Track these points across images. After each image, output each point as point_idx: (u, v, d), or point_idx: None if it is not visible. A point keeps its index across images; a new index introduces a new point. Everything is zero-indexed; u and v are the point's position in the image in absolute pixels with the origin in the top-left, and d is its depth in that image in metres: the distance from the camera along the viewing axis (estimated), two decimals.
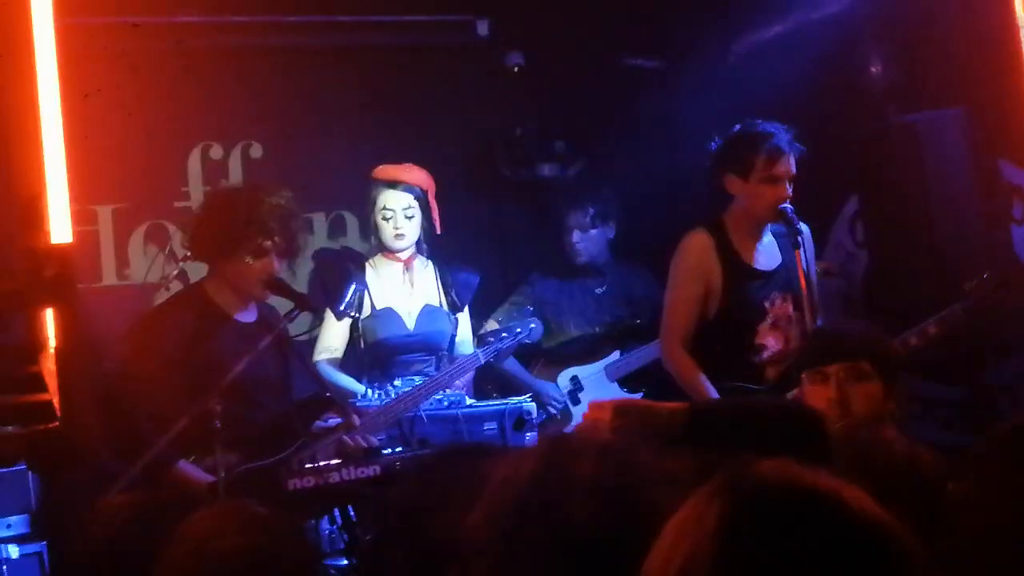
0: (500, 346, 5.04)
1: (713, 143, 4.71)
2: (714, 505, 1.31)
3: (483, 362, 5.03)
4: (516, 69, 6.26)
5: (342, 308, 5.04)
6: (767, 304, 4.70)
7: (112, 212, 5.89)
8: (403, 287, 5.24)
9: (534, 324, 5.14)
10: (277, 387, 4.41)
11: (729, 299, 4.69)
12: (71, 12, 4.11)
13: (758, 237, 4.73)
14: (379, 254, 5.28)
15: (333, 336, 5.19)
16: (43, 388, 3.98)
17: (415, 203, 5.15)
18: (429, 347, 5.18)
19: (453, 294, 5.29)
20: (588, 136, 6.51)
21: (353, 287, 5.10)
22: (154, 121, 5.69)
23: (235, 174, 6.06)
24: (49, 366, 3.98)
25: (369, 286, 5.18)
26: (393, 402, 4.69)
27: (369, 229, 5.36)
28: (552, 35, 6.25)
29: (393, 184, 5.16)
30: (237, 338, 4.31)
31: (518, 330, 5.07)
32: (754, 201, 4.63)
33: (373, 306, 5.16)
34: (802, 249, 4.53)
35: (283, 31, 5.94)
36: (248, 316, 4.45)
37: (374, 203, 5.20)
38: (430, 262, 5.33)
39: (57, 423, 3.82)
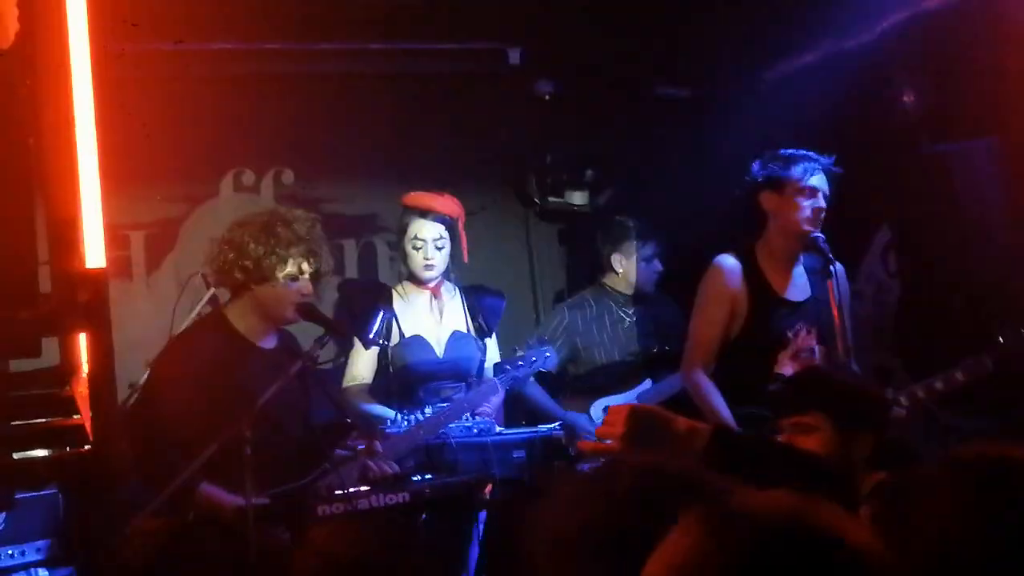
0: (516, 374, 5.04)
1: (753, 164, 4.72)
2: (714, 542, 1.31)
3: (501, 391, 5.03)
4: (547, 97, 6.27)
5: (371, 336, 5.04)
6: (790, 334, 4.70)
7: (145, 237, 5.91)
8: (431, 314, 5.24)
9: (548, 353, 5.14)
10: (299, 413, 4.41)
11: (752, 324, 4.70)
12: (107, 37, 4.12)
13: (789, 267, 4.73)
14: (406, 281, 5.29)
15: (362, 365, 5.19)
16: (75, 411, 3.98)
17: (446, 233, 5.16)
18: (458, 373, 5.17)
19: (481, 319, 5.29)
20: (618, 164, 6.51)
21: (381, 315, 5.10)
22: (188, 147, 5.72)
23: (267, 200, 6.08)
24: (81, 390, 3.98)
25: (397, 314, 5.19)
26: (414, 428, 4.69)
27: (398, 256, 5.37)
28: (583, 64, 6.25)
29: (425, 213, 5.16)
30: (260, 365, 4.31)
31: (533, 358, 5.08)
32: (789, 215, 4.63)
33: (402, 334, 5.16)
34: (835, 281, 4.51)
35: (317, 58, 5.95)
36: (269, 343, 4.45)
37: (404, 231, 5.21)
38: (457, 289, 5.33)
39: (89, 447, 3.81)
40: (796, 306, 4.72)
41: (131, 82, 5.29)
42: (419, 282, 5.23)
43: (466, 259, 5.31)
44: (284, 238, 4.32)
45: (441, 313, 5.26)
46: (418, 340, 5.18)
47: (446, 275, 5.27)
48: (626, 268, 5.84)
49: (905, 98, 5.46)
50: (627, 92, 6.38)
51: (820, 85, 5.55)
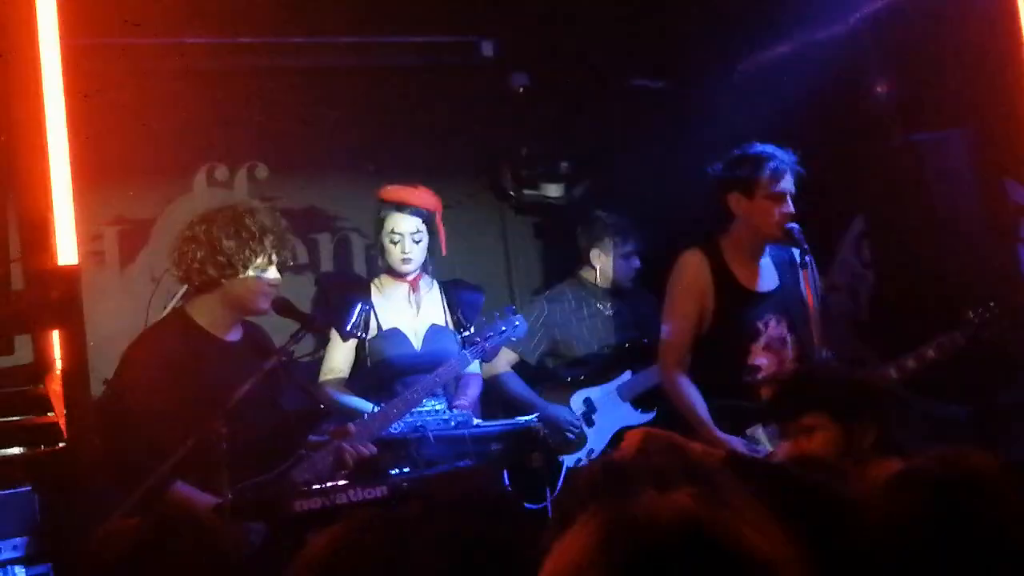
0: (486, 345, 4.98)
1: (715, 166, 4.73)
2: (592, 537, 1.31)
3: (471, 360, 4.99)
4: (521, 90, 6.26)
5: (348, 328, 5.02)
6: (760, 325, 4.72)
7: (118, 233, 5.88)
8: (409, 308, 5.24)
9: (518, 322, 5.08)
10: (269, 403, 4.38)
11: (722, 319, 4.71)
12: (77, 32, 4.09)
13: (755, 259, 4.75)
14: (384, 275, 5.28)
15: (339, 358, 5.19)
16: (49, 409, 3.96)
17: (423, 227, 5.15)
18: (436, 366, 5.16)
19: (459, 314, 5.29)
20: (593, 156, 6.50)
21: (359, 308, 5.10)
22: (160, 142, 5.68)
23: (241, 195, 6.04)
24: (55, 387, 3.96)
25: (375, 307, 5.18)
26: (385, 408, 4.66)
27: (375, 249, 5.35)
28: (557, 56, 6.24)
29: (401, 207, 5.15)
30: (226, 358, 4.28)
31: (503, 328, 5.01)
32: (760, 218, 4.64)
33: (379, 327, 5.16)
34: (809, 270, 4.53)
35: (289, 52, 5.92)
36: (234, 335, 4.41)
37: (381, 225, 5.20)
38: (435, 282, 5.32)
39: (63, 444, 3.80)
40: (764, 297, 4.74)
41: (103, 78, 5.26)
42: (397, 275, 5.23)
43: (444, 252, 5.30)
44: (254, 230, 4.30)
45: (419, 306, 5.26)
46: (395, 333, 5.17)
47: (424, 268, 5.27)
48: (604, 264, 5.85)
49: (878, 88, 5.48)
50: (602, 84, 6.37)
51: (794, 76, 5.57)
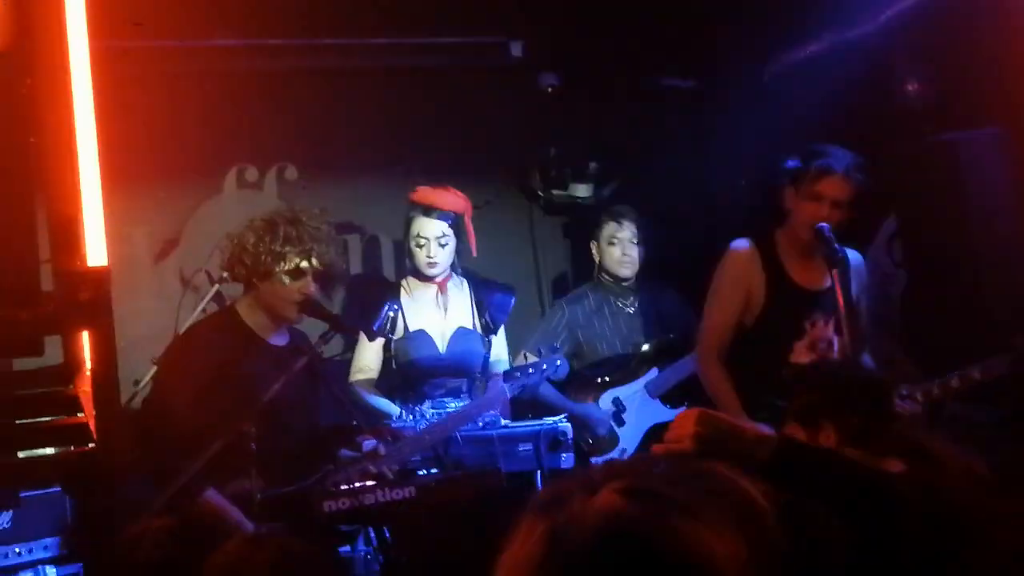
0: (526, 382, 4.99)
1: (784, 160, 4.69)
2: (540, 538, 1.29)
3: (509, 396, 4.99)
4: (550, 90, 6.23)
5: (375, 328, 5.03)
6: (807, 324, 4.66)
7: (148, 234, 5.90)
8: (437, 309, 5.23)
9: (560, 362, 5.09)
10: (306, 411, 4.40)
11: (768, 314, 4.66)
12: (107, 34, 4.10)
13: (808, 256, 4.69)
14: (411, 276, 5.28)
15: (368, 357, 5.19)
16: (79, 410, 3.97)
17: (449, 231, 5.14)
18: (460, 369, 5.16)
19: (487, 316, 5.28)
20: (622, 157, 6.47)
21: (387, 308, 5.10)
22: (190, 144, 5.69)
23: (270, 196, 6.06)
24: (85, 388, 3.97)
25: (403, 308, 5.18)
26: (421, 434, 4.66)
27: (403, 251, 5.35)
28: (586, 56, 6.22)
29: (428, 211, 5.14)
30: (269, 361, 4.30)
31: (544, 367, 5.04)
32: (795, 216, 4.61)
33: (407, 327, 5.16)
34: (848, 272, 4.49)
35: (318, 53, 5.92)
36: (280, 339, 4.45)
37: (408, 228, 5.19)
38: (465, 282, 5.30)
39: (93, 445, 3.80)
40: (814, 295, 4.68)
41: (132, 79, 5.27)
42: (425, 277, 5.22)
43: (474, 253, 5.28)
44: (284, 236, 4.32)
45: (446, 308, 5.25)
46: (422, 335, 5.17)
47: (453, 269, 5.25)
48: (603, 254, 5.77)
49: (909, 87, 5.42)
50: (631, 84, 6.34)
51: (825, 75, 5.51)
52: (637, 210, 5.80)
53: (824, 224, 4.54)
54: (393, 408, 5.00)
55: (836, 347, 4.66)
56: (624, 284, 5.79)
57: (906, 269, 5.58)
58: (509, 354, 5.46)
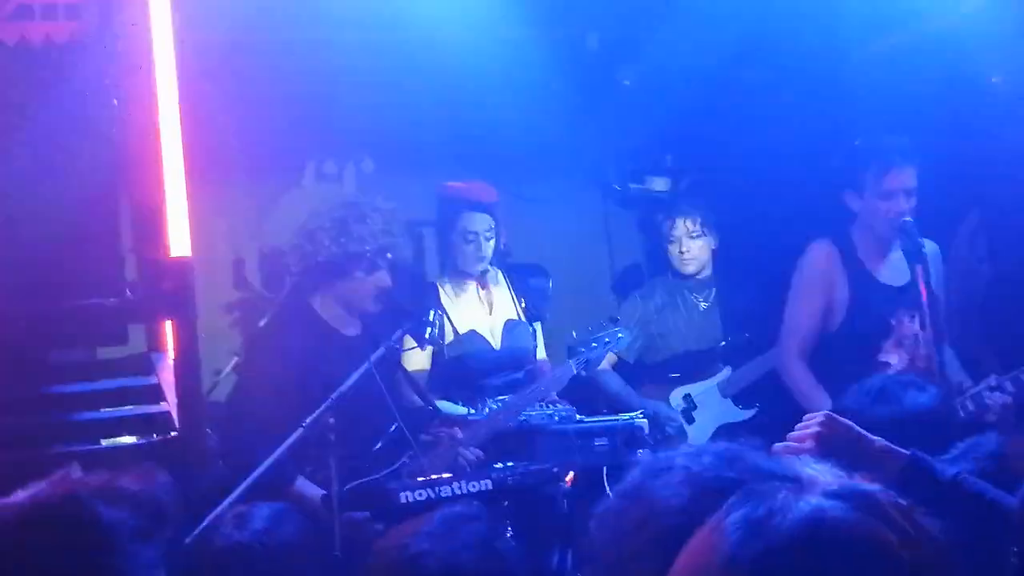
0: (590, 355, 4.95)
1: (831, 159, 4.61)
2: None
3: (575, 372, 4.94)
4: (627, 83, 6.17)
5: (427, 337, 4.98)
6: (892, 321, 4.58)
7: (229, 225, 5.94)
8: (481, 307, 5.19)
9: (622, 334, 5.06)
10: (381, 400, 4.38)
11: (852, 313, 4.59)
12: (191, 28, 4.13)
13: (886, 251, 4.61)
14: (448, 277, 5.22)
15: (417, 362, 5.08)
16: (162, 399, 4.01)
17: (493, 223, 5.11)
18: (516, 362, 5.14)
19: (529, 303, 5.24)
20: (699, 150, 6.38)
21: (434, 314, 5.06)
22: (270, 136, 5.72)
23: (349, 189, 6.06)
24: (168, 377, 4.00)
25: (448, 311, 5.11)
26: (494, 413, 4.65)
27: (444, 249, 5.30)
28: (664, 47, 6.14)
29: (475, 205, 5.11)
30: (344, 353, 4.31)
31: (606, 339, 4.99)
32: (871, 216, 4.53)
33: (455, 331, 5.09)
34: (928, 265, 4.40)
35: (396, 51, 5.90)
36: (353, 330, 4.47)
37: (452, 225, 5.13)
38: (499, 272, 5.28)
39: (175, 434, 3.83)
40: (897, 291, 4.61)
41: (211, 67, 5.29)
42: (464, 276, 5.17)
43: (502, 244, 5.25)
44: (357, 235, 4.34)
45: (491, 304, 5.21)
46: (473, 336, 5.13)
47: (491, 263, 5.22)
48: (672, 248, 5.70)
49: (993, 78, 5.31)
50: (708, 76, 6.25)
51: (909, 64, 5.41)
52: (712, 203, 5.73)
53: (908, 219, 4.46)
54: (459, 409, 4.94)
55: (921, 343, 4.57)
56: (698, 278, 5.72)
57: (989, 264, 5.48)
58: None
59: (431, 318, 4.89)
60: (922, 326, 4.56)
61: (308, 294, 4.55)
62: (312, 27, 5.59)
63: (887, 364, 4.59)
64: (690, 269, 5.69)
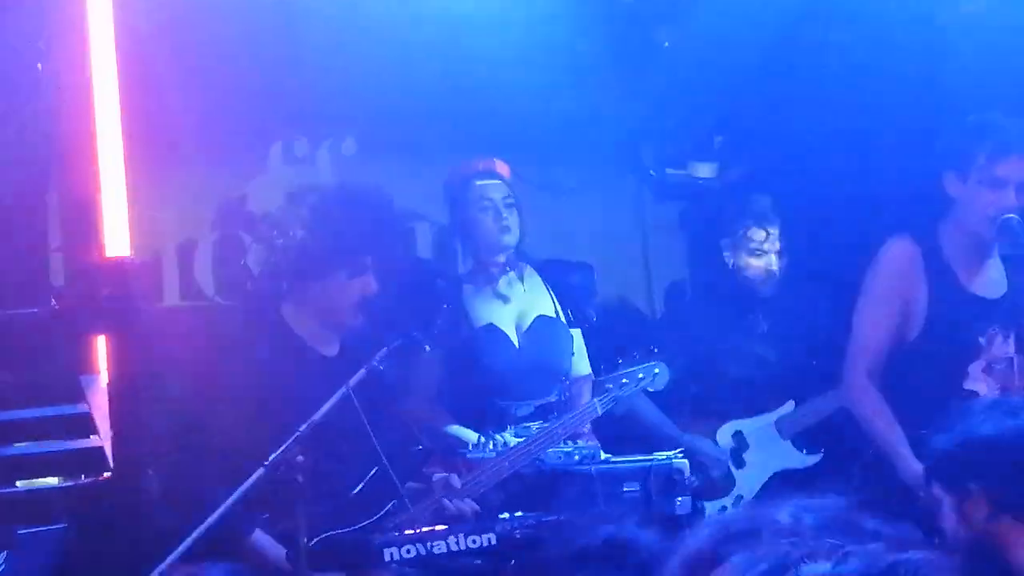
0: (619, 394, 4.96)
1: (939, 135, 4.63)
2: None
3: (600, 414, 4.98)
4: (667, 44, 6.20)
5: (434, 335, 5.08)
6: (982, 340, 4.60)
7: (177, 220, 5.98)
8: (504, 296, 5.23)
9: (658, 369, 5.04)
10: (363, 434, 4.42)
11: (933, 327, 4.60)
12: None
13: (982, 256, 4.63)
14: (466, 262, 5.29)
15: (426, 371, 5.19)
16: (92, 431, 4.03)
17: (512, 192, 5.19)
18: (544, 370, 5.16)
19: (570, 301, 5.27)
20: (754, 130, 6.42)
21: (445, 309, 5.12)
22: (228, 110, 5.75)
23: (324, 175, 6.10)
24: (101, 405, 4.03)
25: (465, 302, 5.21)
26: (499, 458, 4.67)
27: (462, 242, 5.35)
28: (711, 3, 6.17)
29: (485, 174, 5.19)
30: (320, 376, 4.33)
31: (640, 375, 4.99)
32: (969, 207, 4.55)
33: (470, 324, 5.16)
34: None
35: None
36: (331, 349, 4.48)
37: (464, 199, 5.22)
38: (528, 266, 5.33)
39: (108, 474, 3.87)
40: (989, 305, 4.63)
41: (158, 37, 5.33)
42: (486, 258, 5.24)
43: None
44: (339, 225, 4.34)
45: (517, 293, 5.26)
46: (490, 331, 5.19)
47: (518, 253, 5.27)
48: (735, 260, 5.77)
49: None
50: (768, 40, 6.27)
51: (1013, 21, 5.43)
52: (775, 199, 5.76)
53: (1011, 216, 4.49)
54: (468, 434, 5.00)
55: (1017, 368, 4.60)
56: (763, 291, 5.76)
57: None
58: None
59: (442, 313, 4.97)
60: (1019, 349, 4.59)
61: (275, 302, 4.57)
62: None
63: (974, 393, 4.60)
64: (771, 291, 5.76)
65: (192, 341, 4.70)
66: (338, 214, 4.40)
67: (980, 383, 4.61)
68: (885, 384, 4.66)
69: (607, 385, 4.97)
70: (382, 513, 4.31)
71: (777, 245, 5.72)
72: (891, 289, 4.67)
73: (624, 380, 4.97)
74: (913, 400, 4.58)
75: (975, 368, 4.62)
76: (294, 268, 4.43)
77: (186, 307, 5.85)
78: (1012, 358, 4.62)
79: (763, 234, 5.69)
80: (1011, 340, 4.62)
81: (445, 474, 4.49)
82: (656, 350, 5.19)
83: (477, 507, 4.47)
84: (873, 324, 4.70)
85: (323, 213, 4.42)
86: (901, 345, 4.65)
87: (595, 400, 4.96)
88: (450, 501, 4.38)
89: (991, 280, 4.67)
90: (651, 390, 5.15)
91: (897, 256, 4.69)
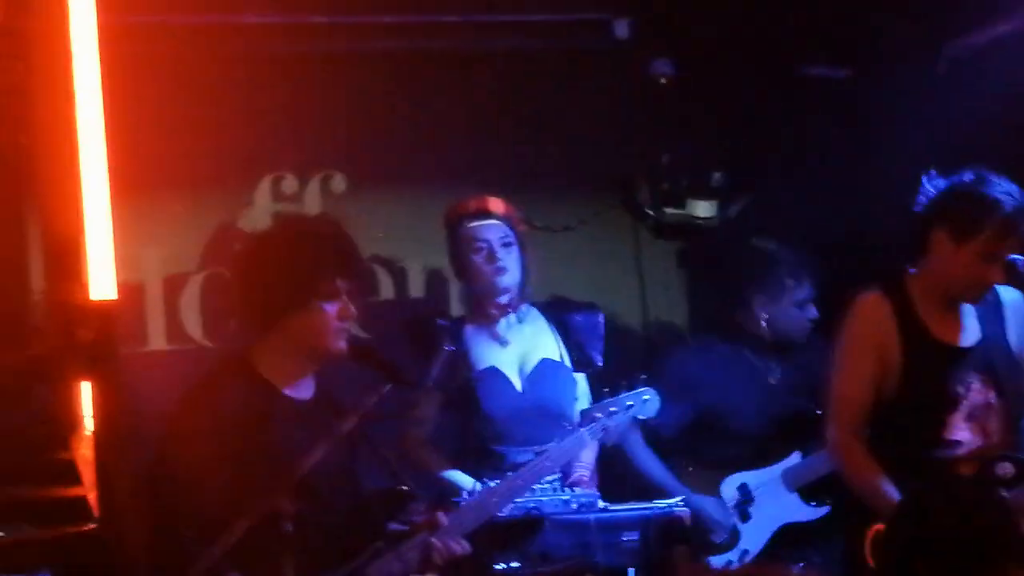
0: (608, 423, 4.91)
1: (931, 185, 4.63)
2: None
3: (588, 444, 4.97)
4: (663, 80, 6.22)
5: (432, 378, 5.04)
6: (960, 389, 4.62)
7: (162, 258, 5.95)
8: (506, 338, 5.24)
9: (648, 396, 5.00)
10: (345, 479, 4.37)
11: (910, 381, 4.63)
12: (115, 10, 4.14)
13: (953, 305, 4.66)
14: (473, 308, 5.29)
15: (425, 409, 5.18)
16: (76, 480, 4.00)
17: (511, 232, 5.17)
18: (547, 415, 5.14)
19: (576, 345, 5.25)
20: (754, 166, 6.42)
21: (444, 352, 5.10)
22: (215, 146, 5.74)
23: (312, 212, 6.08)
24: (84, 452, 4.00)
25: (468, 343, 5.20)
26: (484, 493, 4.63)
27: (460, 283, 5.34)
28: (709, 37, 6.19)
29: (479, 215, 5.17)
30: (292, 420, 4.26)
31: (629, 403, 4.95)
32: (957, 273, 4.57)
33: (472, 367, 5.14)
34: (1007, 317, 4.54)
35: (376, 35, 5.96)
36: (303, 391, 4.38)
37: (460, 242, 5.22)
38: (533, 308, 5.32)
39: (93, 524, 3.82)
40: (964, 353, 4.65)
41: (145, 66, 5.33)
42: (487, 307, 5.22)
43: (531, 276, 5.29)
44: (314, 250, 4.30)
45: (518, 336, 5.25)
46: (493, 374, 5.17)
47: (520, 294, 5.25)
48: (772, 315, 5.75)
49: None
50: (766, 73, 6.30)
51: (1016, 61, 5.46)
52: (794, 249, 5.75)
53: (1017, 257, 4.50)
54: (465, 480, 4.98)
55: (997, 413, 4.63)
56: (771, 340, 5.76)
57: None
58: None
59: (441, 356, 4.94)
60: (999, 393, 4.62)
61: (249, 343, 4.49)
62: (269, 7, 5.65)
63: (956, 443, 4.62)
64: (796, 338, 5.77)
65: (179, 387, 4.64)
66: (304, 245, 4.34)
67: (962, 432, 4.64)
68: (872, 437, 4.67)
69: (595, 414, 4.92)
70: (362, 560, 4.25)
71: (813, 294, 5.72)
72: (863, 343, 4.69)
73: (612, 408, 4.93)
74: (897, 452, 4.60)
75: (956, 417, 4.64)
76: (266, 302, 4.35)
77: (172, 350, 5.82)
78: (992, 403, 4.65)
79: (797, 288, 5.69)
80: (991, 386, 4.65)
81: (431, 512, 4.44)
82: (645, 376, 5.13)
83: (467, 546, 4.40)
84: (849, 379, 4.72)
85: (290, 245, 4.36)
86: (880, 397, 4.66)
87: (583, 430, 4.90)
88: (438, 541, 4.32)
89: (964, 328, 4.69)
90: (642, 418, 5.08)
91: (866, 311, 4.71)
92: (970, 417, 4.65)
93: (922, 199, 4.65)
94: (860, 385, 4.68)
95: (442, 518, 4.36)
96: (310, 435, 4.11)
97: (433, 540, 4.29)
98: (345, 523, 4.33)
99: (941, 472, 4.58)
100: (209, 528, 3.98)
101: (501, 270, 5.15)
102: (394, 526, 4.38)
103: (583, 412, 5.05)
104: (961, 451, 4.64)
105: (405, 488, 4.42)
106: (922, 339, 4.65)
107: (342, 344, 4.32)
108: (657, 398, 5.06)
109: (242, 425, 4.22)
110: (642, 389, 5.01)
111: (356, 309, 4.31)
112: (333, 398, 4.42)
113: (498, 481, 4.71)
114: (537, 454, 4.85)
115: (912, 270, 4.71)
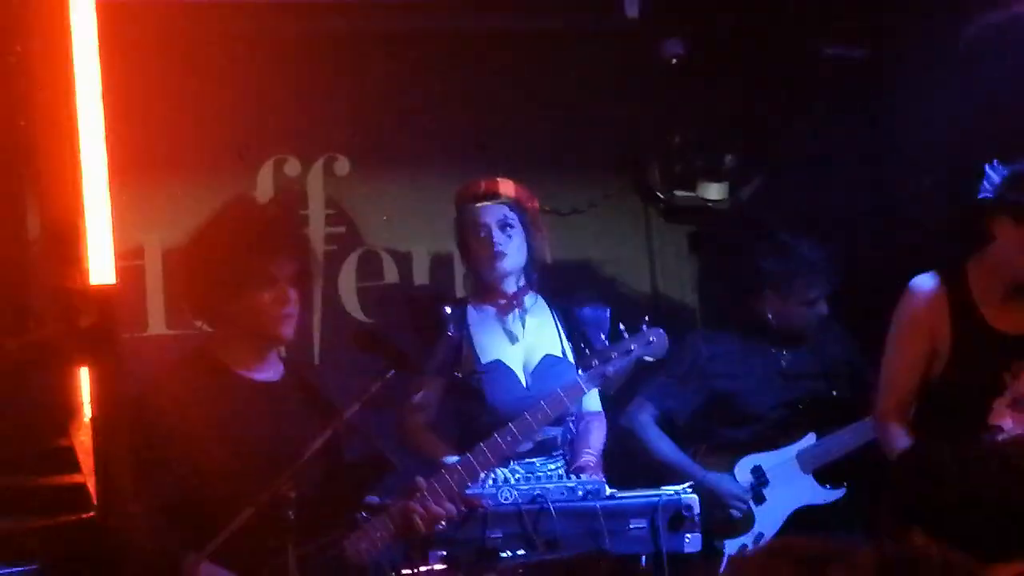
0: (606, 369, 4.81)
1: (994, 171, 4.64)
2: None
3: (587, 391, 4.91)
4: (674, 60, 6.22)
5: (435, 364, 5.04)
6: (1007, 376, 4.65)
7: (162, 243, 5.98)
8: (511, 332, 5.22)
9: (653, 337, 4.90)
10: (330, 459, 4.35)
11: (958, 364, 4.66)
12: None
13: (1012, 293, 4.67)
14: (475, 296, 5.28)
15: (425, 394, 5.18)
16: (74, 467, 4.01)
17: (512, 215, 5.14)
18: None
19: (582, 340, 5.22)
20: (767, 147, 6.43)
21: (449, 337, 5.10)
22: (217, 128, 5.76)
23: (315, 195, 6.10)
24: (83, 439, 4.01)
25: (472, 334, 5.19)
26: (469, 456, 4.56)
27: (464, 268, 5.36)
28: (720, 17, 6.19)
29: (481, 197, 5.17)
30: (259, 403, 4.24)
31: (631, 347, 4.85)
32: (1012, 251, 4.58)
33: (477, 359, 5.15)
34: None
35: (381, 15, 5.96)
36: (267, 373, 4.37)
37: (461, 225, 5.23)
38: (540, 298, 5.31)
39: (92, 512, 3.84)
40: (1016, 341, 4.66)
41: (145, 48, 5.34)
42: (490, 292, 5.23)
43: (548, 259, 5.28)
44: (247, 237, 4.28)
45: (524, 330, 5.24)
46: (497, 368, 5.17)
47: (528, 279, 5.25)
48: (779, 313, 5.74)
49: None
50: (780, 53, 6.30)
51: None
52: (812, 245, 5.72)
53: None
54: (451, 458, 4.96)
55: None
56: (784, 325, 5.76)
57: None
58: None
59: (444, 342, 4.94)
60: None
61: (209, 333, 4.49)
62: None
63: (998, 428, 4.65)
64: (807, 330, 5.75)
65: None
66: (232, 229, 4.33)
67: (1005, 419, 4.66)
68: (916, 419, 4.74)
69: (592, 361, 4.84)
70: (338, 534, 4.19)
71: (828, 291, 5.70)
72: (914, 327, 4.73)
73: (612, 354, 4.84)
74: (941, 434, 4.60)
75: (999, 404, 4.67)
76: (205, 293, 4.35)
77: (172, 335, 5.85)
78: None
79: (808, 286, 5.67)
80: None
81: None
82: (647, 318, 5.02)
83: (453, 509, 4.28)
84: (898, 362, 4.77)
85: (218, 230, 4.35)
86: (929, 379, 4.69)
87: (580, 376, 4.83)
88: (418, 504, 4.25)
89: (1018, 317, 4.70)
90: (649, 359, 4.96)
91: (921, 294, 4.74)
92: (1014, 404, 4.68)
93: (987, 187, 4.67)
94: (909, 368, 4.74)
95: (420, 481, 4.26)
96: (282, 417, 4.14)
97: (413, 504, 4.24)
98: (326, 499, 4.30)
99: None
100: (193, 519, 4.00)
101: (499, 255, 5.13)
102: (372, 498, 4.34)
103: (580, 359, 4.98)
104: (1002, 437, 4.64)
105: (385, 456, 4.36)
106: (974, 325, 4.69)
107: (286, 331, 4.30)
108: (665, 337, 4.95)
109: (204, 413, 4.21)
110: (647, 331, 4.92)
111: (300, 294, 4.31)
112: (302, 377, 4.43)
113: (516, 488, 4.72)
114: (525, 412, 4.74)
115: (973, 256, 4.71)
